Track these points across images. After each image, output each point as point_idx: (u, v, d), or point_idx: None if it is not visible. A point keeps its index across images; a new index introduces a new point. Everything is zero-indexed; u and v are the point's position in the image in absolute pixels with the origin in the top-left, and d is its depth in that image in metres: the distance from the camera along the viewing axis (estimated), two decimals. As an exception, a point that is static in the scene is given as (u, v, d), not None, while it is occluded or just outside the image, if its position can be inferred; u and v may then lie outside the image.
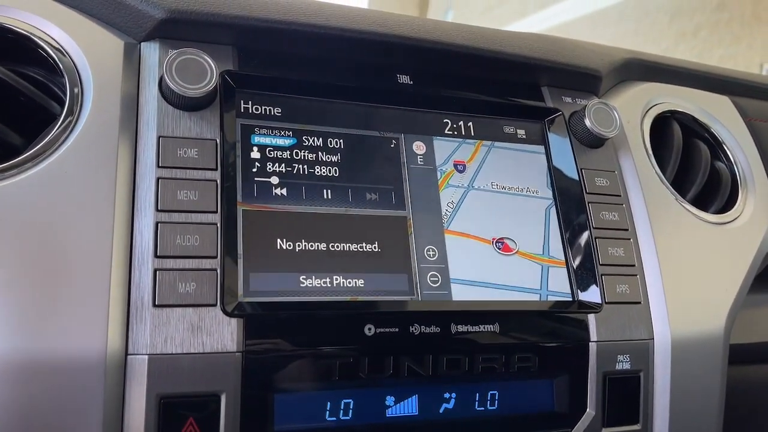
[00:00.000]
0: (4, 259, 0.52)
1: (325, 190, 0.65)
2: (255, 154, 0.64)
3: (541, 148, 0.76)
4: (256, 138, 0.64)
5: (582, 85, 0.80)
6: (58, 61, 0.60)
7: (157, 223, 0.57)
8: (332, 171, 0.66)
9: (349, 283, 0.63)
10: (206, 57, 0.60)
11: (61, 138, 0.57)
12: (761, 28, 5.59)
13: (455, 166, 0.71)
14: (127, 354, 0.54)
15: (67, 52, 0.61)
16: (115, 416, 0.53)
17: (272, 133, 0.65)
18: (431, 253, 0.66)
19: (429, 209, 0.68)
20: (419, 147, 0.70)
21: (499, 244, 0.69)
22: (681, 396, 0.72)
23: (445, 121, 0.73)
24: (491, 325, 0.65)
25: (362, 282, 0.63)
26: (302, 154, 0.66)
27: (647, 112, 0.84)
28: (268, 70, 0.66)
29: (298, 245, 0.62)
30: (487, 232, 0.70)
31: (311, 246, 0.63)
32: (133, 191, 0.58)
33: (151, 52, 0.63)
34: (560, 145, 0.76)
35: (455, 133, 0.73)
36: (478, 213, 0.70)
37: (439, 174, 0.70)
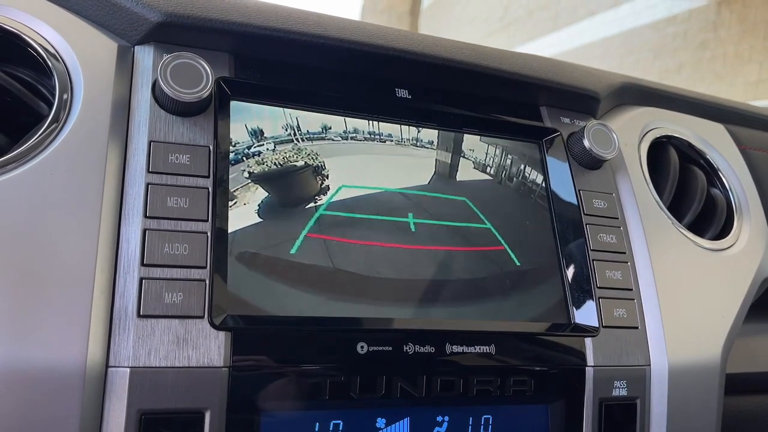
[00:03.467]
0: (-18, 261, 0.49)
1: (320, 203, 0.63)
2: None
3: (539, 165, 0.75)
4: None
5: (580, 107, 0.79)
6: (48, 62, 0.58)
7: (144, 230, 0.55)
8: None
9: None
10: (202, 62, 0.59)
11: (48, 139, 0.55)
12: (743, 67, 5.73)
13: None
14: (107, 366, 0.51)
15: (58, 53, 0.59)
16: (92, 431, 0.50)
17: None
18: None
19: None
20: None
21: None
22: (678, 424, 0.70)
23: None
24: (487, 346, 0.63)
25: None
26: None
27: (644, 136, 0.83)
28: (264, 79, 0.65)
29: (291, 258, 0.60)
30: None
31: (304, 259, 0.60)
32: (121, 197, 0.56)
33: (145, 55, 0.62)
34: (558, 165, 0.74)
35: (452, 149, 0.72)
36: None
37: None
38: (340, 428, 0.58)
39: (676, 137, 0.87)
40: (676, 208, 0.82)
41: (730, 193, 0.87)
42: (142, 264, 0.54)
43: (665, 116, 0.88)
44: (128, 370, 0.51)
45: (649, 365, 0.70)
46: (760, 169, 0.91)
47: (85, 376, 0.49)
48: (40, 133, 0.55)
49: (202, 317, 0.54)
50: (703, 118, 0.92)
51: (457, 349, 0.62)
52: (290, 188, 0.63)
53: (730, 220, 0.85)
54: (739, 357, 0.83)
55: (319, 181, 0.64)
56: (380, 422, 0.60)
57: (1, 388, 0.47)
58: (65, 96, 0.57)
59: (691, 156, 0.88)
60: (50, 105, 0.57)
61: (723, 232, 0.84)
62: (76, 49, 0.59)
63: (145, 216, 0.55)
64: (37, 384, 0.48)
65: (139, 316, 0.52)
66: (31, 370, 0.48)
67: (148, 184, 0.56)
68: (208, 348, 0.53)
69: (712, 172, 0.88)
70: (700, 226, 0.83)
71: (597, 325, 0.68)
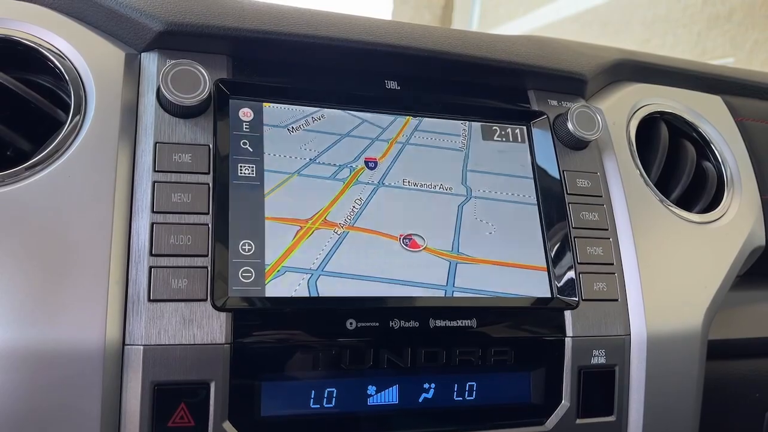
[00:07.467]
0: (15, 254, 0.57)
1: (313, 192, 0.69)
2: (247, 157, 0.68)
3: (526, 148, 0.78)
4: (247, 143, 0.68)
5: (568, 89, 0.82)
6: (63, 72, 0.65)
7: (152, 224, 0.61)
8: None
9: None
10: (200, 67, 0.64)
11: (66, 143, 0.61)
12: None
13: None
14: (124, 344, 0.59)
15: (71, 63, 0.65)
16: (112, 401, 0.58)
17: (264, 137, 0.69)
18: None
19: None
20: None
21: (407, 240, 0.70)
22: (656, 389, 0.75)
23: (431, 124, 0.76)
24: (468, 321, 0.69)
25: None
26: None
27: (635, 113, 0.86)
28: (261, 78, 0.70)
29: (286, 244, 0.66)
30: (395, 229, 0.70)
31: (298, 244, 0.67)
32: (131, 194, 0.63)
33: (150, 62, 0.68)
34: (544, 147, 0.78)
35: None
36: (389, 210, 0.70)
37: None
38: (334, 395, 0.65)
39: (668, 112, 0.88)
40: (666, 182, 0.85)
41: (722, 165, 0.88)
42: (151, 254, 0.61)
43: (658, 92, 0.89)
44: (142, 347, 0.59)
45: (629, 335, 0.74)
46: (758, 141, 0.92)
47: (104, 353, 0.57)
48: (59, 137, 0.62)
49: (205, 300, 0.61)
50: (700, 91, 0.93)
51: (440, 323, 0.68)
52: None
53: (721, 192, 0.87)
54: (724, 323, 0.86)
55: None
56: (371, 389, 0.67)
57: (30, 365, 0.55)
58: (80, 103, 0.64)
59: (683, 130, 0.90)
60: (67, 112, 0.64)
61: (713, 204, 0.86)
62: (87, 57, 0.65)
63: (153, 211, 0.62)
64: (63, 361, 0.56)
65: (149, 300, 0.60)
66: (57, 349, 0.56)
67: (154, 182, 0.63)
68: (211, 327, 0.61)
69: (704, 145, 0.90)
70: (690, 200, 0.86)
71: (577, 299, 0.73)
